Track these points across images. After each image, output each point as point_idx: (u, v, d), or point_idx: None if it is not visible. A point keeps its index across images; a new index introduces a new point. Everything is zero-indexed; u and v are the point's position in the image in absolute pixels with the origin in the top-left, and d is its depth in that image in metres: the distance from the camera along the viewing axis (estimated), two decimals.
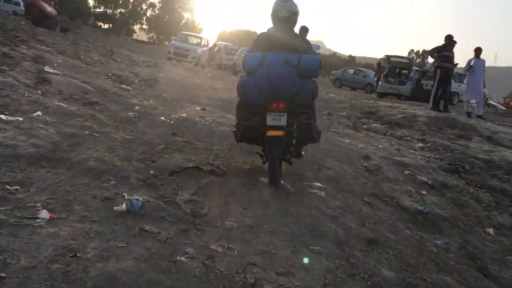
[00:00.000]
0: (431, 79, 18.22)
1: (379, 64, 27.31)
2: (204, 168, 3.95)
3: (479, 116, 10.55)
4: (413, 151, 6.42)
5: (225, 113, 6.55)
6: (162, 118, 5.43)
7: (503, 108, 28.13)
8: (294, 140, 4.07)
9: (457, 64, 10.66)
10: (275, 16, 4.08)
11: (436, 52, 10.21)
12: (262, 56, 3.82)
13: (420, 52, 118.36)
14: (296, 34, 4.23)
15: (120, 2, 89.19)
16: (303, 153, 4.27)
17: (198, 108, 6.57)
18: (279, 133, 3.72)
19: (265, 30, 4.39)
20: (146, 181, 3.47)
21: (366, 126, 8.17)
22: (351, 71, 29.11)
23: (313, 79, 3.89)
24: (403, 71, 20.45)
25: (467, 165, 6.07)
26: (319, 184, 4.18)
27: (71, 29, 16.86)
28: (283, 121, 3.69)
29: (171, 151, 4.28)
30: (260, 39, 4.17)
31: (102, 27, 65.25)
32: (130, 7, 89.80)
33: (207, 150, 4.54)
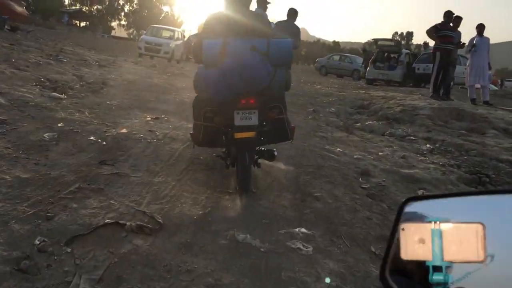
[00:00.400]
0: (423, 62, 17.02)
1: (364, 50, 26.11)
2: (129, 223, 2.60)
3: (485, 103, 9.28)
4: (422, 158, 5.13)
5: (185, 121, 5.21)
6: (92, 137, 4.06)
7: (495, 87, 27.06)
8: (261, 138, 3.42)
9: (463, 44, 9.31)
10: None
11: (435, 31, 8.83)
12: (223, 43, 3.12)
13: (404, 34, 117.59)
14: (253, 12, 3.59)
15: None
16: (275, 153, 3.55)
17: (149, 118, 5.20)
18: (250, 134, 3.14)
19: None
20: (20, 265, 2.11)
21: (359, 124, 6.86)
22: (336, 57, 27.76)
23: (284, 68, 3.30)
24: (392, 55, 19.17)
25: (491, 171, 4.81)
26: (303, 229, 2.88)
27: (22, 28, 15.22)
28: (254, 119, 3.12)
29: (85, 195, 2.92)
30: (212, 22, 3.39)
31: (78, 25, 62.88)
32: (107, 3, 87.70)
33: (144, 187, 3.19)
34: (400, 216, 0.78)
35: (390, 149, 5.35)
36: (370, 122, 7.06)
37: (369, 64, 18.63)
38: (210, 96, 3.23)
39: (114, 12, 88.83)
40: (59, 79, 6.31)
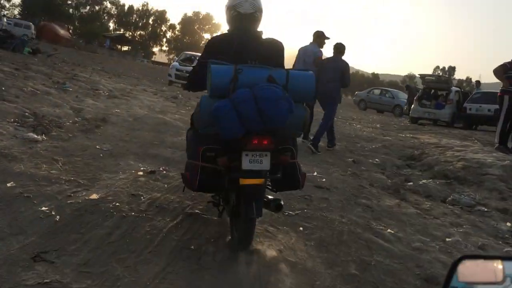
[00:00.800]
0: (476, 102, 15.45)
1: (408, 86, 24.78)
2: None
3: None
4: (506, 247, 3.71)
5: None
6: (45, 208, 2.93)
7: None
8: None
9: None
10: (235, 12, 2.96)
11: (503, 71, 7.42)
12: (235, 70, 2.62)
13: (446, 68, 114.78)
14: (266, 39, 3.00)
15: (140, 24, 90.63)
16: (282, 203, 2.89)
17: (141, 172, 4.06)
18: (259, 181, 2.63)
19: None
20: None
21: (411, 184, 5.48)
22: (377, 91, 26.45)
23: (303, 104, 2.87)
24: (440, 93, 17.62)
25: None
26: None
27: (44, 51, 14.76)
28: (265, 163, 2.62)
29: None
30: (218, 43, 2.99)
31: (120, 49, 64.57)
32: (150, 29, 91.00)
33: None
34: (451, 276, 0.71)
35: (459, 229, 3.95)
36: (425, 180, 5.66)
37: (414, 101, 17.17)
38: (216, 132, 2.66)
39: (156, 38, 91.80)
40: (49, 114, 5.32)
